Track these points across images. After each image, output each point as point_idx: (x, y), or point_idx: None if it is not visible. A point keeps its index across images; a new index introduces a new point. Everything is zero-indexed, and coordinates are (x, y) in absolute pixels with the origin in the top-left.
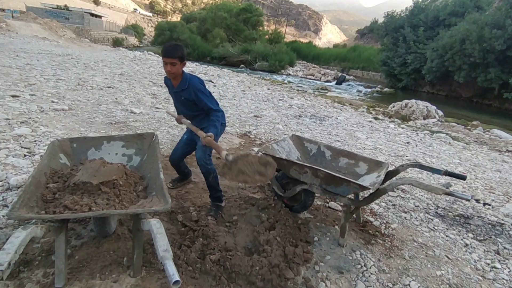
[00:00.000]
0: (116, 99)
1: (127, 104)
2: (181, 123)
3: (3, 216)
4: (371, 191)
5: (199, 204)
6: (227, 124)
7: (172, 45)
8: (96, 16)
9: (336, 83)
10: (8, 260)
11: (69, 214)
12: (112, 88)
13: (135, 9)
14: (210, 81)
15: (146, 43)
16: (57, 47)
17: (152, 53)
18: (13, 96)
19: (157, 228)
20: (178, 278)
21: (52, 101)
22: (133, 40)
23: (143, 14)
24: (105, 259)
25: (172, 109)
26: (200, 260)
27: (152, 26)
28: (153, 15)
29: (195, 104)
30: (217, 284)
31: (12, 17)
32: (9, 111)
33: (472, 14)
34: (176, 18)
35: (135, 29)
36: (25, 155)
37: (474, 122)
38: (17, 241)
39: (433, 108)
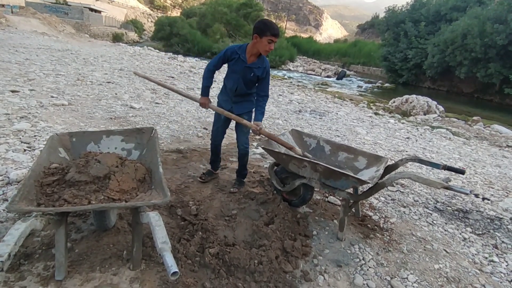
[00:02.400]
0: (116, 94)
1: (126, 99)
2: (206, 107)
3: (3, 210)
4: (370, 185)
5: (198, 199)
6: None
7: (275, 23)
8: (96, 11)
9: (337, 79)
10: (8, 251)
11: (69, 207)
12: (112, 83)
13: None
14: None
15: (146, 39)
16: (56, 42)
17: (152, 49)
18: (12, 91)
19: (155, 221)
20: (177, 269)
21: (52, 96)
22: (132, 35)
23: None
24: (105, 252)
25: (172, 103)
26: (199, 253)
27: (152, 21)
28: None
29: (255, 83)
30: (216, 277)
31: (12, 12)
32: (8, 106)
33: (474, 9)
34: (176, 13)
35: (134, 24)
36: (25, 150)
37: (474, 118)
38: (17, 233)
39: (433, 103)
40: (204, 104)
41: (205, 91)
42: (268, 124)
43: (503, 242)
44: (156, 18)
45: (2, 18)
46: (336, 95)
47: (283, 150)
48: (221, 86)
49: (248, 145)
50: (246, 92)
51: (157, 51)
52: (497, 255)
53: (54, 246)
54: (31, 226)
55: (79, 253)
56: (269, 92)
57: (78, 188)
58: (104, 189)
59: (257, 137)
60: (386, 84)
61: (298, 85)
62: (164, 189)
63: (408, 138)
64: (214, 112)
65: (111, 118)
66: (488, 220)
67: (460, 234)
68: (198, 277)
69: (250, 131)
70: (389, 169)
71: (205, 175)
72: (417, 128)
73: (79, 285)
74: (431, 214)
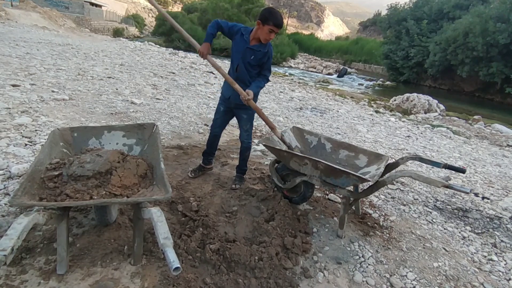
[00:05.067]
0: (117, 89)
1: (127, 95)
2: (205, 57)
3: (5, 204)
4: (371, 183)
5: (199, 195)
6: None
7: (282, 15)
8: (96, 5)
9: (338, 76)
10: (11, 245)
11: (71, 202)
12: (113, 78)
13: None
14: (211, 72)
15: (147, 34)
16: (57, 37)
17: (153, 44)
18: (13, 86)
19: (157, 216)
20: (179, 265)
21: (53, 91)
22: (133, 30)
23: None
24: (106, 247)
25: (173, 99)
26: (200, 249)
27: (152, 17)
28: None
29: (256, 68)
30: (216, 272)
31: (11, 5)
32: (9, 100)
33: (477, 7)
34: (177, 8)
35: (135, 19)
36: (26, 144)
37: (475, 117)
38: (19, 227)
39: (434, 102)
40: (203, 52)
41: (208, 37)
42: None
43: (502, 241)
44: (157, 13)
45: (1, 12)
46: (337, 93)
47: (284, 147)
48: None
49: (249, 140)
50: (246, 76)
51: (158, 46)
52: (496, 254)
53: (55, 241)
54: (34, 220)
55: (80, 247)
56: (271, 89)
57: (80, 183)
58: (106, 185)
59: (258, 134)
60: (387, 82)
61: (299, 82)
62: (166, 185)
63: (408, 136)
64: (215, 107)
65: (111, 113)
66: (488, 219)
67: (460, 232)
68: (198, 273)
69: (253, 128)
70: (389, 167)
71: (195, 171)
72: (418, 127)
73: (81, 279)
74: (430, 212)
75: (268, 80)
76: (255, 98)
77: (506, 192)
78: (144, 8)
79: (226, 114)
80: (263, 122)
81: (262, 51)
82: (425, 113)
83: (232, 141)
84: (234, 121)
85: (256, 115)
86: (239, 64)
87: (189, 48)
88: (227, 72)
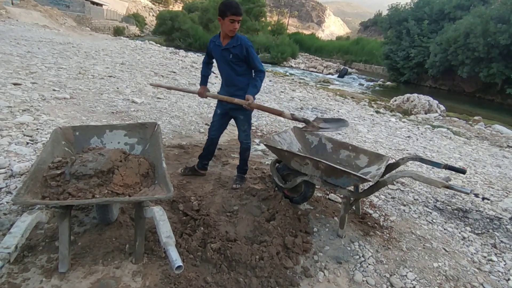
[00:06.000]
0: (118, 88)
1: (128, 94)
2: (204, 96)
3: (7, 202)
4: (371, 183)
5: (200, 194)
6: None
7: (238, 3)
8: (97, 4)
9: (338, 76)
10: (15, 243)
11: (73, 200)
12: (113, 77)
13: None
14: (212, 72)
15: (148, 33)
16: (58, 35)
17: (153, 43)
18: (14, 84)
19: (159, 215)
20: (181, 263)
21: (54, 90)
22: (134, 29)
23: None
24: (107, 246)
25: (174, 98)
26: (201, 248)
27: (153, 16)
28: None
29: (241, 64)
30: (217, 272)
31: (12, 4)
32: (11, 99)
33: (478, 8)
34: (177, 7)
35: (136, 18)
36: (27, 143)
37: (475, 117)
38: (23, 225)
39: (435, 102)
40: (201, 93)
41: (202, 80)
42: (270, 121)
43: (502, 241)
44: (158, 12)
45: (2, 10)
46: (338, 93)
47: (285, 147)
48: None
49: (248, 141)
50: (236, 79)
51: (159, 45)
52: (495, 254)
53: (57, 239)
54: (37, 219)
55: (82, 246)
56: (271, 88)
57: (82, 182)
58: (108, 183)
59: (259, 133)
60: (388, 83)
61: (300, 82)
62: (168, 184)
63: (409, 137)
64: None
65: (112, 112)
66: (488, 220)
67: (460, 233)
68: (199, 272)
69: (251, 128)
70: (390, 167)
71: (187, 169)
72: (418, 127)
73: (82, 277)
74: (431, 212)
75: (262, 73)
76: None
77: (506, 193)
78: (144, 7)
79: (223, 117)
80: (264, 122)
81: (236, 45)
82: (426, 113)
83: (233, 141)
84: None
85: (263, 113)
86: (224, 69)
87: (189, 48)
88: (221, 83)
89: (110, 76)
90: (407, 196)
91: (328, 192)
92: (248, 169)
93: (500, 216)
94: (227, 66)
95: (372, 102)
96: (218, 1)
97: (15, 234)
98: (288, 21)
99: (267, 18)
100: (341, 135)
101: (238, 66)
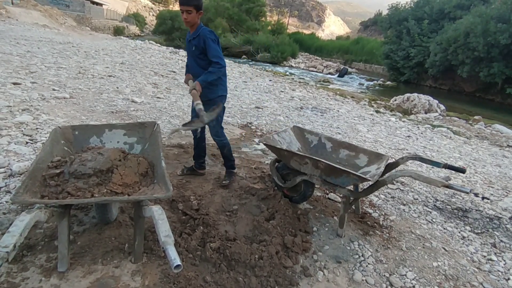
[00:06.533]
0: (117, 88)
1: (128, 93)
2: (186, 82)
3: (6, 201)
4: (371, 182)
5: (199, 193)
6: (228, 114)
7: None
8: (97, 4)
9: (338, 76)
10: (14, 242)
11: (72, 199)
12: (113, 77)
13: None
14: None
15: (148, 32)
16: (57, 35)
17: (153, 43)
18: (14, 84)
19: (158, 215)
20: (180, 263)
21: (53, 89)
22: (134, 29)
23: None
24: (106, 245)
25: (174, 98)
26: (200, 247)
27: (153, 15)
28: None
29: (203, 57)
30: (217, 271)
31: (12, 3)
32: (10, 99)
33: (478, 7)
34: (177, 7)
35: (136, 18)
36: (27, 142)
37: (475, 117)
38: (22, 224)
39: (435, 102)
40: (186, 80)
41: (186, 69)
42: (269, 121)
43: (501, 241)
44: (158, 11)
45: (2, 9)
46: (338, 93)
47: (284, 146)
48: (237, 83)
49: (220, 138)
50: (197, 70)
51: (159, 45)
52: (495, 254)
53: (56, 238)
54: (36, 218)
55: (81, 245)
56: (271, 88)
57: (81, 181)
58: (107, 183)
59: (259, 133)
60: (388, 82)
61: (299, 82)
62: (167, 184)
63: (408, 136)
64: None
65: (112, 112)
66: (487, 219)
67: (459, 232)
68: (199, 271)
69: (221, 125)
70: (389, 167)
71: (185, 169)
72: (418, 127)
73: (81, 277)
74: (430, 212)
75: (219, 66)
76: (213, 88)
77: (506, 192)
78: (144, 7)
79: (196, 114)
80: (264, 121)
81: (195, 37)
82: (426, 113)
83: (232, 141)
84: (233, 120)
85: (264, 113)
86: (190, 62)
87: None
88: None
89: (110, 76)
90: (406, 195)
91: (327, 192)
92: (234, 162)
93: (500, 216)
94: (192, 59)
95: (372, 102)
96: (218, 1)
97: (13, 233)
98: (288, 21)
99: (267, 18)
100: (341, 135)
101: (201, 60)
